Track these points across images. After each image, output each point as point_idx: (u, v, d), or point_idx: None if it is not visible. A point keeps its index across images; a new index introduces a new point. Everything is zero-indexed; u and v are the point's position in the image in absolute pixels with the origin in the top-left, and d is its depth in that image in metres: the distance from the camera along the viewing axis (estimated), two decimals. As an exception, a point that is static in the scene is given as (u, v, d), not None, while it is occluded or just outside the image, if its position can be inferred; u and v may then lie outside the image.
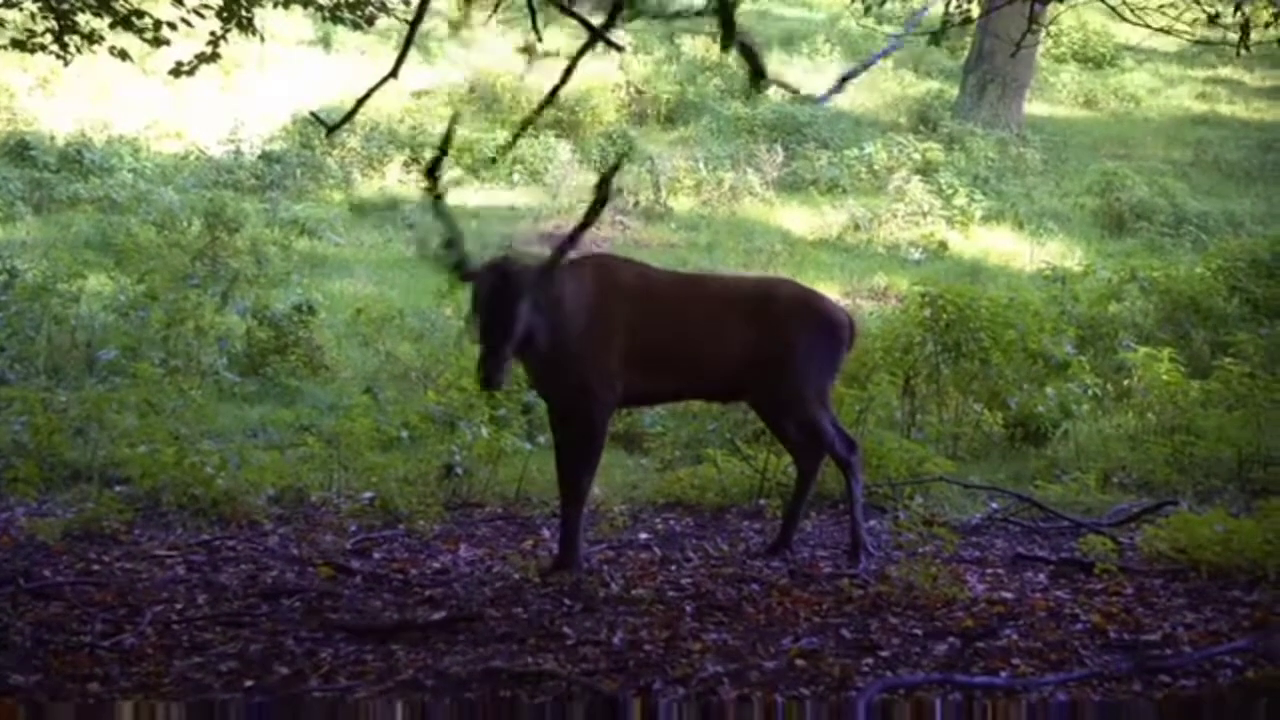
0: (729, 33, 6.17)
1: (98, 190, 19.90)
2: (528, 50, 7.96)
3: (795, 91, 7.85)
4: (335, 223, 20.24)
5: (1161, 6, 8.89)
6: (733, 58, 7.52)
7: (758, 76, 6.74)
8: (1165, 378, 11.70)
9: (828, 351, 8.33)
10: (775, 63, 27.83)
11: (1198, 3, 8.67)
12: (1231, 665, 6.35)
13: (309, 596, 7.49)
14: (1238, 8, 8.38)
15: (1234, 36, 8.79)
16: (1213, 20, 8.75)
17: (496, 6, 10.51)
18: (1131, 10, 9.05)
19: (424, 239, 7.85)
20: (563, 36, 8.15)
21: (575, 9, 7.80)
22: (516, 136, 9.45)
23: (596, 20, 7.14)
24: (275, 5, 10.45)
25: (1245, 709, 5.91)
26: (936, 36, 10.08)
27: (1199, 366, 12.82)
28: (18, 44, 10.14)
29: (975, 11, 9.86)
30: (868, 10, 9.47)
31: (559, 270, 7.69)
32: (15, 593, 7.42)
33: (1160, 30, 9.27)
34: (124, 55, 10.34)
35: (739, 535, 9.18)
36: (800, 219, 21.82)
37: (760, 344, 8.09)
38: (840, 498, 9.36)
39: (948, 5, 9.62)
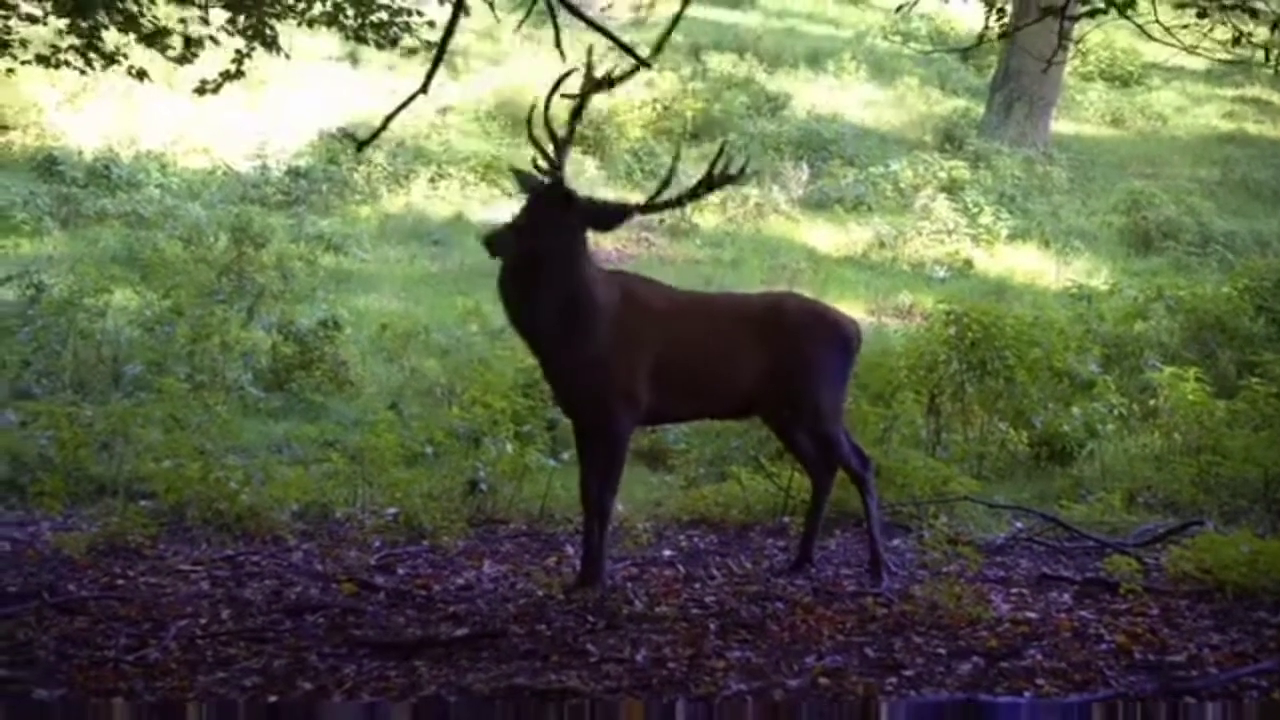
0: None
1: (125, 205, 19.93)
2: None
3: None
4: (361, 238, 20.27)
5: (1189, 25, 8.84)
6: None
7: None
8: (1191, 397, 11.66)
9: (840, 362, 8.35)
10: (801, 80, 27.87)
11: (1224, 23, 8.63)
12: (1258, 687, 6.32)
13: (332, 612, 7.50)
14: (1275, 26, 8.33)
15: (1263, 55, 8.74)
16: (1236, 42, 8.69)
17: (521, 22, 10.54)
18: (1165, 29, 9.01)
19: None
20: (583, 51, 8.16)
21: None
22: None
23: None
24: (299, 24, 10.49)
25: (1271, 731, 5.90)
26: (976, 44, 10.06)
27: (1225, 386, 12.76)
28: (40, 59, 10.19)
29: (995, 34, 9.82)
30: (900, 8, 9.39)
31: (598, 286, 7.81)
32: (40, 607, 7.43)
33: (1189, 49, 9.24)
34: (143, 75, 10.36)
35: (763, 553, 9.16)
36: (825, 236, 21.80)
37: (774, 360, 8.09)
38: (863, 515, 9.36)
39: (987, 20, 9.61)
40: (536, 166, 7.90)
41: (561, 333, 7.73)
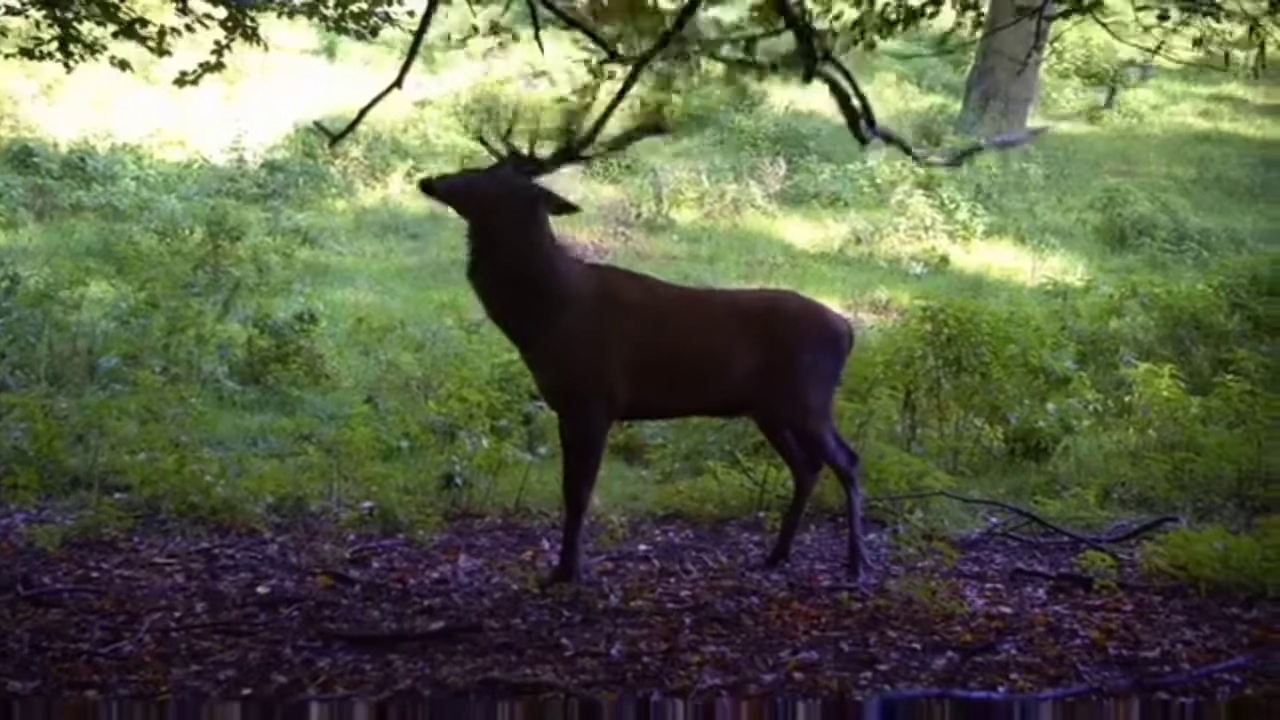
0: (810, 65, 6.15)
1: (100, 198, 19.92)
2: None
3: (908, 151, 7.91)
4: (338, 232, 20.26)
5: (1152, 28, 8.86)
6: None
7: (855, 123, 6.71)
8: (1166, 394, 11.70)
9: (831, 364, 8.32)
10: (778, 79, 27.88)
11: (1187, 23, 8.66)
12: (1230, 683, 6.34)
13: (307, 605, 7.48)
14: (1252, 29, 8.36)
15: (1236, 54, 8.78)
16: (1197, 43, 8.74)
17: (501, 15, 10.53)
18: (1141, 28, 9.03)
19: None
20: (562, 48, 8.17)
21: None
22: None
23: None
24: (279, 15, 10.46)
25: (1243, 727, 5.92)
26: (945, 40, 10.07)
27: (1199, 383, 12.80)
28: (23, 52, 10.15)
29: (975, 32, 9.84)
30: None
31: (570, 274, 7.84)
32: (14, 599, 7.41)
33: (1155, 51, 9.27)
34: (124, 65, 10.34)
35: (738, 548, 9.17)
36: (802, 232, 21.83)
37: (765, 358, 8.05)
38: (839, 510, 9.36)
39: (957, 23, 9.63)
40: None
41: (530, 322, 7.76)
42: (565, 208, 7.90)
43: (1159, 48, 9.08)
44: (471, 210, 7.79)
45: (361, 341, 14.91)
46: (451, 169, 21.37)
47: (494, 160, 7.89)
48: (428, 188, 7.86)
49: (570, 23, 9.09)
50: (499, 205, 7.71)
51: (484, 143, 8.06)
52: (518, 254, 7.71)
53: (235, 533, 9.19)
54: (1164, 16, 8.44)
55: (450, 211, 8.05)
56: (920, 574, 7.84)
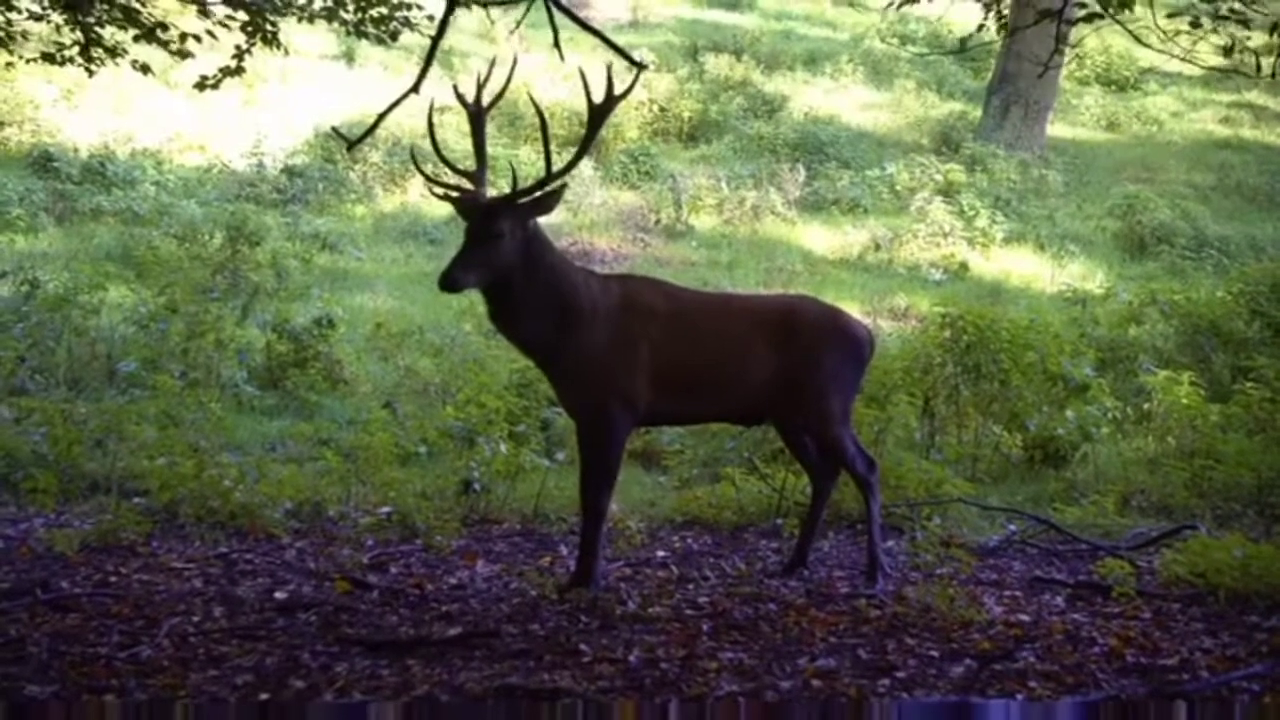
0: None
1: (120, 202, 19.94)
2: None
3: None
4: (356, 237, 20.27)
5: (1179, 34, 8.84)
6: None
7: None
8: (1185, 401, 11.67)
9: (852, 370, 8.30)
10: (798, 82, 27.90)
11: (1217, 30, 8.63)
12: (1249, 691, 6.33)
13: (325, 611, 7.49)
14: (1274, 30, 8.34)
15: (1255, 63, 8.74)
16: (1229, 52, 8.71)
17: (519, 23, 10.56)
18: (1162, 34, 9.01)
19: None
20: (580, 53, 8.18)
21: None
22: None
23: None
24: (300, 20, 10.47)
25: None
26: (964, 43, 10.06)
27: (1219, 390, 12.77)
28: (45, 56, 10.18)
29: (994, 32, 9.83)
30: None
31: (590, 283, 7.82)
32: (33, 603, 7.43)
33: (1182, 58, 9.24)
34: (146, 69, 10.36)
35: (756, 554, 9.16)
36: (822, 238, 21.80)
37: (786, 364, 8.04)
38: (858, 518, 9.35)
39: (982, 23, 9.62)
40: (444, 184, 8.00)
41: (552, 335, 7.73)
42: (550, 198, 7.79)
43: (1185, 55, 9.05)
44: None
45: (380, 347, 14.93)
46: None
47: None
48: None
49: (589, 30, 9.13)
50: (504, 248, 7.64)
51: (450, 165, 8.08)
52: (539, 277, 7.69)
53: (253, 537, 9.21)
54: (1196, 24, 8.42)
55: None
56: (938, 581, 7.83)
